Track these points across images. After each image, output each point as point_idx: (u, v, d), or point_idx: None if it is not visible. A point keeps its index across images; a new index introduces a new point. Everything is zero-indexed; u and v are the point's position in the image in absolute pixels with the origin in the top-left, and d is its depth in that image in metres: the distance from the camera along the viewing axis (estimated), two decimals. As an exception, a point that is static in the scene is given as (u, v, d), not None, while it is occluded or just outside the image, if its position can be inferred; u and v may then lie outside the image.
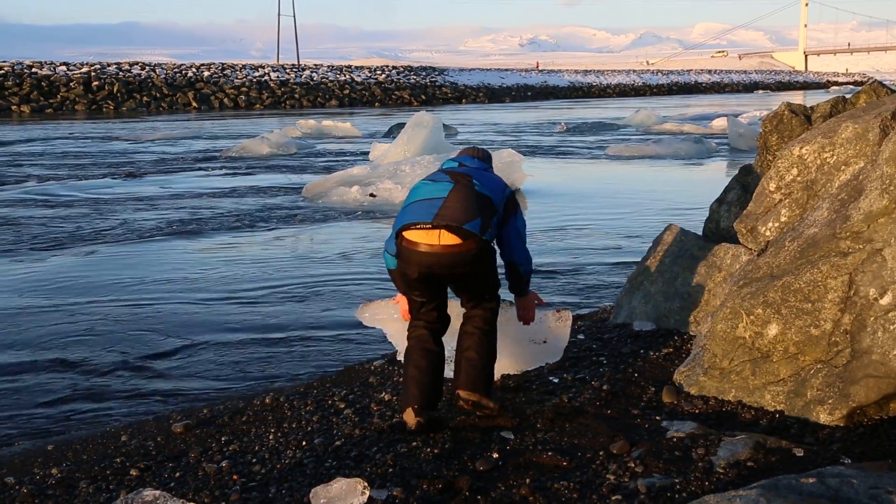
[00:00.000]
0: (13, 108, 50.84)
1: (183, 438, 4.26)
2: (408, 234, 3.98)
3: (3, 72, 54.50)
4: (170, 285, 7.95)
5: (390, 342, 5.00)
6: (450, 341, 4.32)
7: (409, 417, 3.95)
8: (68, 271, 8.57)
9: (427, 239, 3.93)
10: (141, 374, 5.58)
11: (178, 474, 3.76)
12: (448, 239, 3.92)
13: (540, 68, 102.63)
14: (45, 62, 59.58)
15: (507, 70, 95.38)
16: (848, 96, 6.65)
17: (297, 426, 4.27)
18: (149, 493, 3.19)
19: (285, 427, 4.28)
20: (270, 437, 4.15)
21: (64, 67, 59.21)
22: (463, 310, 4.32)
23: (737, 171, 6.52)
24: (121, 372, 5.62)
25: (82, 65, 61.56)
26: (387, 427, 4.10)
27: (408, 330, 4.25)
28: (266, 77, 67.18)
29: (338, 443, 3.97)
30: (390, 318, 4.76)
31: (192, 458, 3.94)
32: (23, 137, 28.97)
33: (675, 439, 3.65)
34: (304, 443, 4.02)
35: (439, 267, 3.96)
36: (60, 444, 4.37)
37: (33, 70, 56.30)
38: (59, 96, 54.08)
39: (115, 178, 16.98)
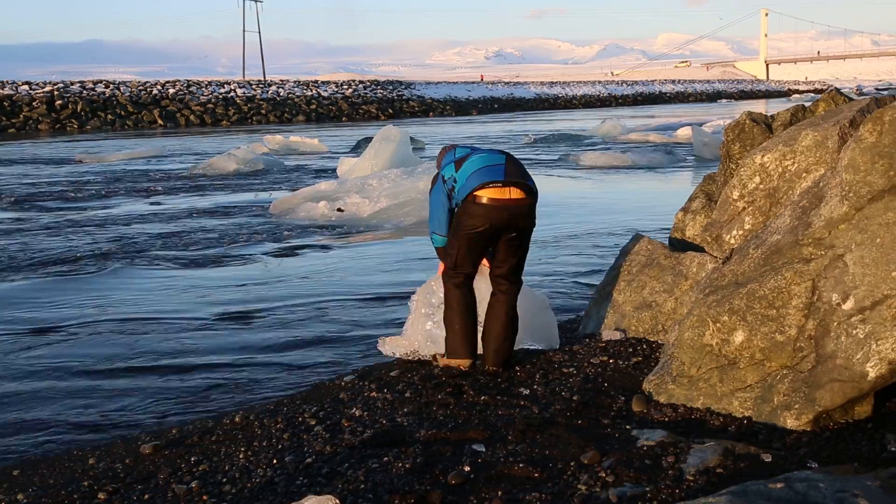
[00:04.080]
0: (-25, 128, 50.23)
1: (152, 460, 4.20)
2: (481, 193, 4.71)
3: (-38, 92, 53.89)
4: (133, 306, 7.86)
5: (358, 362, 5.13)
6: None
7: (462, 365, 5.01)
8: (22, 294, 8.46)
9: (500, 195, 4.72)
10: (108, 396, 5.51)
11: (147, 496, 3.71)
12: (516, 193, 4.77)
13: (484, 80, 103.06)
14: (7, 81, 58.93)
15: (473, 83, 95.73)
16: (807, 104, 6.75)
17: (267, 444, 4.24)
18: (117, 517, 3.16)
19: (255, 445, 4.24)
20: (241, 455, 4.12)
21: (26, 87, 58.55)
22: (494, 284, 5.10)
23: (701, 180, 6.59)
24: (87, 393, 5.54)
25: (45, 84, 60.96)
26: (358, 442, 4.09)
27: (450, 275, 5.02)
28: (232, 93, 66.89)
29: (309, 460, 3.95)
30: (405, 348, 5.50)
31: (162, 480, 3.89)
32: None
33: (645, 448, 3.67)
34: (274, 461, 3.99)
35: (509, 217, 4.75)
36: (26, 468, 4.30)
37: (-7, 90, 55.71)
38: (21, 116, 53.42)
39: (72, 198, 16.79)
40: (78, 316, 7.47)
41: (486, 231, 4.79)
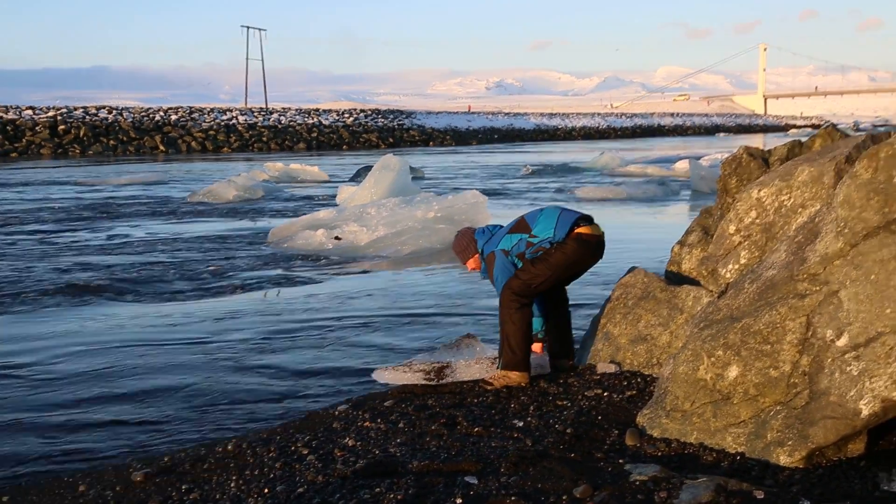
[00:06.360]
0: (-24, 151, 50.34)
1: (143, 487, 4.17)
2: (581, 231, 5.45)
3: (-36, 116, 54.07)
4: (126, 332, 7.84)
5: (352, 391, 5.14)
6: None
7: (520, 378, 5.40)
8: (24, 322, 8.43)
9: (595, 231, 5.53)
10: (99, 422, 5.47)
11: (136, 525, 3.68)
12: (600, 230, 5.61)
13: (471, 111, 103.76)
14: (11, 106, 59.19)
15: (473, 113, 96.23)
16: (804, 140, 6.77)
17: (259, 473, 4.21)
18: (104, 546, 3.13)
19: (247, 474, 4.21)
20: (232, 484, 4.09)
21: (30, 111, 58.86)
22: (556, 297, 5.83)
23: (698, 214, 6.59)
24: (78, 420, 5.51)
25: (48, 108, 61.31)
26: (350, 473, 4.06)
27: (515, 298, 5.39)
28: (234, 120, 67.23)
29: (300, 490, 3.91)
30: (403, 376, 5.69)
31: (152, 509, 3.86)
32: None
33: (637, 482, 3.64)
34: (266, 490, 3.95)
35: (598, 248, 5.57)
36: (16, 495, 4.26)
37: (-4, 114, 55.92)
38: (24, 140, 53.61)
39: (75, 223, 16.80)
40: (55, 346, 7.44)
41: (582, 260, 5.51)
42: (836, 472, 3.66)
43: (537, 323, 5.82)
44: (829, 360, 3.75)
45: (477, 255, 5.83)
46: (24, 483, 4.48)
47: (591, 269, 5.83)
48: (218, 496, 3.95)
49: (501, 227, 5.84)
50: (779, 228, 5.15)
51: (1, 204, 20.73)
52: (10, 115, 56.35)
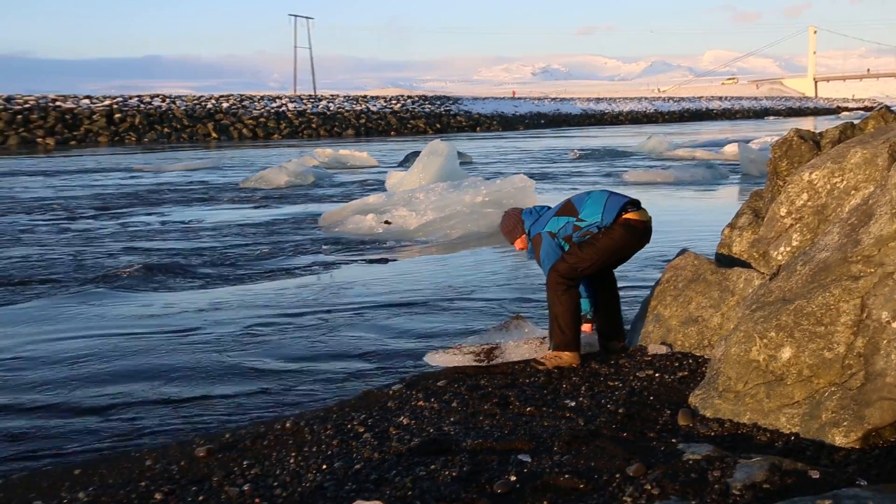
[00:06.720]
0: (38, 140, 51.47)
1: (206, 462, 4.27)
2: (629, 216, 5.44)
3: (28, 106, 55.23)
4: (190, 316, 7.99)
5: (407, 372, 5.36)
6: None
7: (572, 358, 5.43)
8: (86, 303, 8.63)
9: (642, 217, 5.51)
10: (165, 400, 5.60)
11: (201, 498, 3.78)
12: (647, 216, 5.57)
13: (516, 96, 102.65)
14: (69, 96, 60.34)
15: (519, 98, 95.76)
16: (857, 122, 6.66)
17: (317, 450, 4.29)
18: (173, 517, 3.22)
19: (306, 451, 4.29)
20: (291, 460, 4.17)
21: (87, 101, 59.98)
22: (606, 278, 5.82)
23: (748, 197, 6.53)
24: (146, 398, 5.65)
25: (104, 98, 62.35)
26: (405, 450, 4.11)
27: (562, 280, 5.43)
28: (284, 108, 67.75)
29: (357, 466, 3.98)
30: (454, 358, 5.69)
31: (215, 482, 3.95)
32: (53, 168, 29.30)
33: (690, 462, 3.64)
34: (324, 466, 4.03)
35: (646, 232, 5.56)
36: (87, 468, 4.39)
37: (57, 104, 57.04)
38: (82, 129, 54.70)
39: (135, 209, 17.13)
40: (130, 326, 7.63)
41: (629, 245, 5.52)
42: (893, 452, 3.62)
43: (585, 304, 5.81)
44: (885, 341, 3.71)
45: (524, 236, 5.84)
46: (95, 458, 4.62)
47: (642, 252, 5.81)
48: (278, 471, 4.03)
49: (549, 208, 5.84)
50: (831, 211, 5.09)
51: (71, 189, 21.21)
52: (69, 105, 57.46)
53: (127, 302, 8.49)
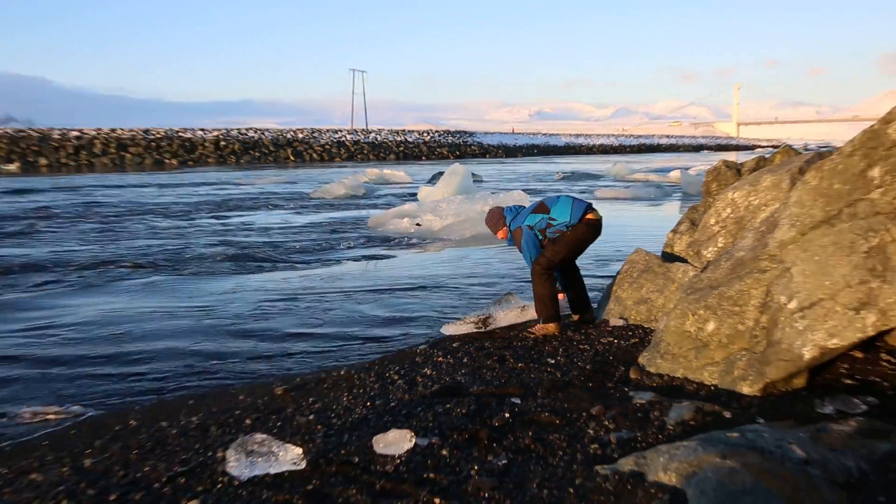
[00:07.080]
0: (165, 161, 52.04)
1: (282, 398, 4.33)
2: (589, 217, 5.43)
3: (159, 136, 55.87)
4: (272, 288, 8.06)
5: (429, 336, 5.27)
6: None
7: (555, 328, 5.39)
8: (198, 282, 8.71)
9: (596, 217, 5.45)
10: (254, 353, 5.67)
11: (279, 424, 3.84)
12: (598, 215, 5.50)
13: (514, 132, 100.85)
14: (188, 129, 60.80)
15: (518, 134, 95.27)
16: (767, 156, 6.62)
17: (363, 392, 4.33)
18: (259, 437, 3.28)
19: (355, 392, 4.33)
20: (344, 399, 4.21)
21: (201, 132, 60.37)
22: (569, 267, 5.69)
23: (687, 210, 6.51)
24: (240, 352, 5.72)
25: (213, 130, 62.67)
26: (428, 393, 4.15)
27: (543, 270, 5.39)
28: (343, 138, 67.81)
29: (392, 404, 4.02)
30: (460, 328, 5.69)
31: (289, 413, 4.01)
32: (183, 181, 29.44)
33: (638, 405, 3.66)
34: (368, 403, 4.07)
35: (598, 229, 5.49)
36: (197, 399, 4.47)
37: (179, 134, 57.55)
38: (197, 153, 55.10)
39: (231, 212, 17.23)
40: (222, 299, 7.69)
41: (589, 238, 5.48)
42: (785, 399, 3.62)
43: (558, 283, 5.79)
44: (782, 318, 3.70)
45: (505, 228, 5.75)
46: (203, 392, 4.70)
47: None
48: (335, 406, 4.08)
49: (524, 207, 5.77)
50: (747, 221, 5.08)
51: (190, 196, 21.37)
52: (188, 135, 57.98)
53: (218, 280, 8.57)
